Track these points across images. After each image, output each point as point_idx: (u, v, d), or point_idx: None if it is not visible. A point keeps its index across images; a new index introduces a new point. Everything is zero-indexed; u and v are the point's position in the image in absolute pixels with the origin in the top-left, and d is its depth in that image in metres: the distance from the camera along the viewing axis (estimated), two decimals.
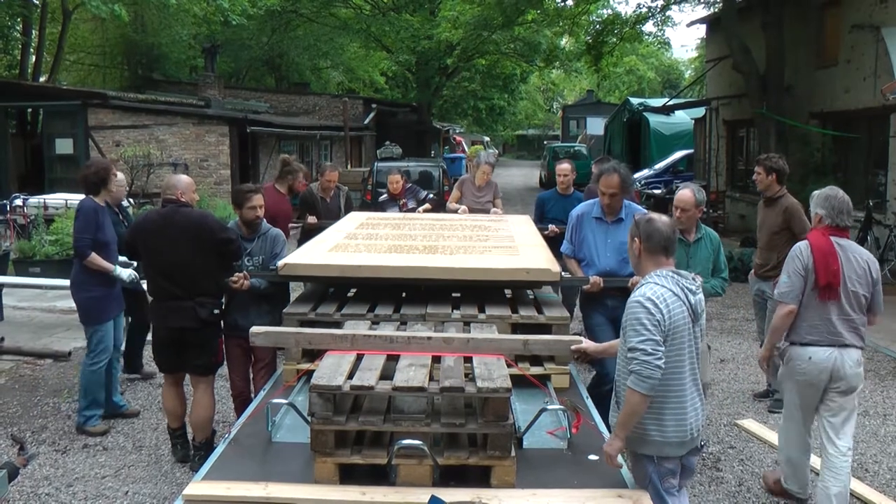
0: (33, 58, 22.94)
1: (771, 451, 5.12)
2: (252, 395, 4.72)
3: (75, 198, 5.27)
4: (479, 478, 2.83)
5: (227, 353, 4.86)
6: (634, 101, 26.08)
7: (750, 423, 5.60)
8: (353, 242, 4.74)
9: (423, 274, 4.05)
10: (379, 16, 28.04)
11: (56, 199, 12.37)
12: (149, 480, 4.68)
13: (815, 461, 4.52)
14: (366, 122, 26.04)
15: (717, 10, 18.07)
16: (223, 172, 16.63)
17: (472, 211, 7.45)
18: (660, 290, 2.95)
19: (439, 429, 2.82)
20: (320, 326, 3.76)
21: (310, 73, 31.98)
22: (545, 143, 46.85)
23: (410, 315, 3.89)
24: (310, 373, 3.31)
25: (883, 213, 11.69)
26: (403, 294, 4.29)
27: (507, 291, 4.45)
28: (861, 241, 11.49)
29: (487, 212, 7.42)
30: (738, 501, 4.48)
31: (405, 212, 7.33)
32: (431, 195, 8.32)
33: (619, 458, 3.00)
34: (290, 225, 6.79)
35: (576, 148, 29.50)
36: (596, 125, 39.38)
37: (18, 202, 12.22)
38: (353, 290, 4.48)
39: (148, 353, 5.85)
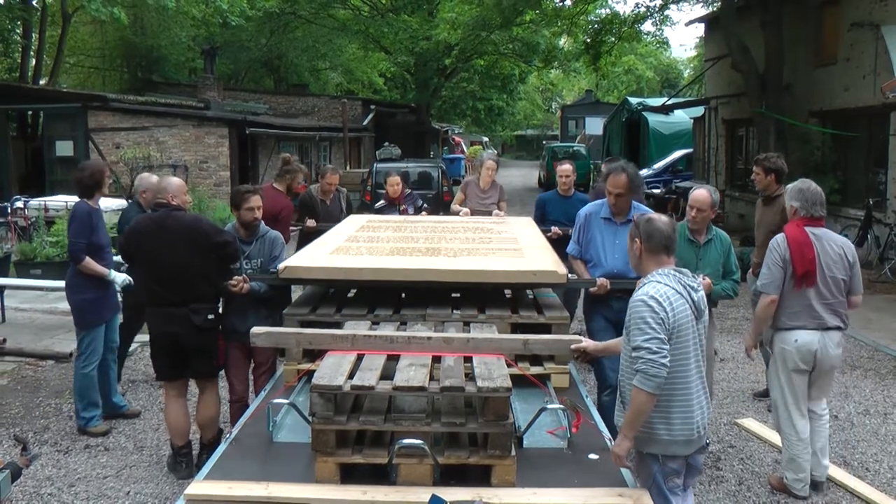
0: (33, 61, 22.96)
1: (771, 449, 5.13)
2: (250, 398, 4.69)
3: (76, 200, 5.29)
4: (480, 477, 2.84)
5: (226, 358, 4.80)
6: (633, 100, 26.11)
7: (750, 423, 5.61)
8: (354, 245, 4.69)
9: (427, 277, 3.98)
10: (377, 17, 28.07)
11: (57, 201, 12.38)
12: (150, 480, 4.69)
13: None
14: (365, 123, 26.04)
15: (715, 9, 18.09)
16: (223, 174, 16.65)
17: (476, 214, 7.21)
18: (663, 289, 2.96)
19: (440, 428, 2.82)
20: (320, 327, 3.76)
21: (308, 75, 32.02)
22: (544, 143, 46.80)
23: (410, 315, 3.89)
24: (310, 373, 3.32)
25: (883, 211, 11.70)
26: (402, 295, 4.29)
27: (507, 291, 4.45)
28: (861, 240, 11.52)
29: (491, 214, 7.22)
30: (738, 500, 4.48)
31: None
32: (425, 206, 8.01)
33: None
34: (290, 228, 6.74)
35: (575, 148, 29.48)
36: (595, 125, 39.38)
37: (19, 204, 12.23)
38: (353, 291, 4.49)
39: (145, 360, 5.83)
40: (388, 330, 3.50)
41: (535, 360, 3.75)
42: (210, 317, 4.48)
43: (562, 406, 3.26)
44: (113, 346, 5.64)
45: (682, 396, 3.00)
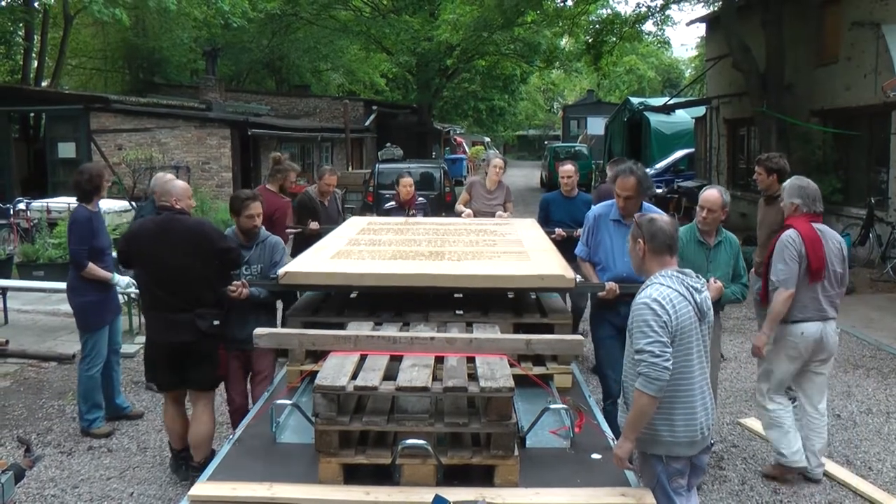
0: (35, 63, 23.02)
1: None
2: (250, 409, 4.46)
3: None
4: (483, 477, 2.85)
5: (226, 369, 4.65)
6: (635, 100, 26.05)
7: (753, 422, 5.60)
8: (356, 249, 4.56)
9: (431, 282, 3.87)
10: (379, 18, 28.09)
11: (59, 202, 12.39)
12: (154, 482, 4.70)
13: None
14: (366, 123, 26.05)
15: (716, 8, 18.07)
16: (225, 175, 16.67)
17: (481, 215, 6.99)
18: (665, 291, 2.96)
19: (443, 428, 2.83)
20: (323, 328, 3.76)
21: (310, 76, 32.02)
22: (546, 143, 46.77)
23: (413, 316, 3.88)
24: (313, 374, 3.33)
25: (885, 210, 11.69)
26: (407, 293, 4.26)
27: (510, 292, 4.43)
28: (863, 239, 11.51)
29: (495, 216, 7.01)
30: (741, 500, 4.49)
31: None
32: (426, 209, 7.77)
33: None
34: (289, 231, 6.62)
35: (576, 148, 29.47)
36: (596, 125, 39.37)
37: (22, 206, 12.24)
38: (355, 292, 4.48)
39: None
40: (390, 330, 3.49)
41: (538, 360, 3.74)
42: (215, 322, 4.34)
43: (565, 406, 3.27)
44: (116, 347, 5.66)
45: (685, 398, 3.00)
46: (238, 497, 2.76)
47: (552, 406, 3.26)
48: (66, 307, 8.13)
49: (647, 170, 23.44)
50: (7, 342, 7.26)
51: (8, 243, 10.98)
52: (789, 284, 4.35)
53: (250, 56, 28.67)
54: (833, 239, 4.48)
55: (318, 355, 3.63)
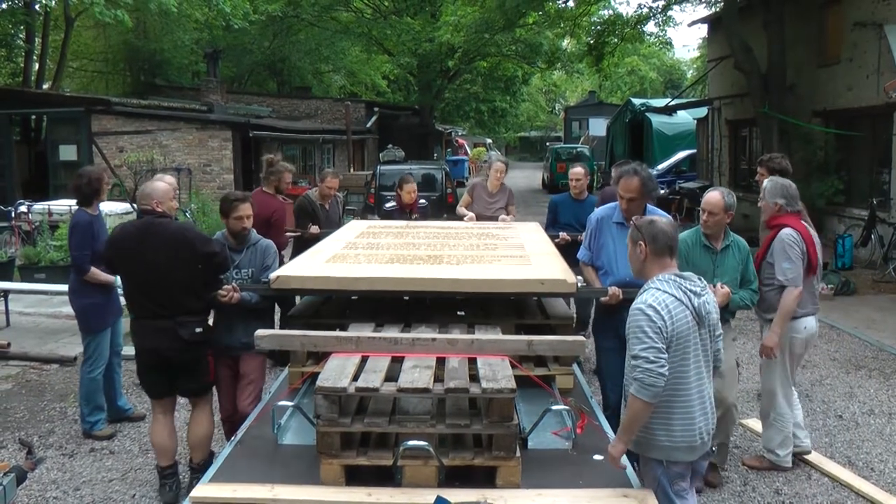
0: (36, 65, 23.07)
1: None
2: (238, 414, 4.41)
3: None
4: (485, 478, 2.85)
5: (216, 376, 4.54)
6: (636, 101, 26.02)
7: (755, 423, 5.59)
8: (352, 252, 4.47)
9: (427, 286, 3.81)
10: (380, 19, 28.14)
11: (60, 205, 12.39)
12: (155, 484, 4.68)
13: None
14: (368, 125, 26.07)
15: (718, 9, 18.07)
16: (226, 177, 16.67)
17: (483, 219, 6.84)
18: (661, 296, 2.94)
19: (444, 430, 2.83)
20: (324, 330, 3.75)
21: (311, 77, 32.05)
22: (547, 144, 46.72)
23: (414, 317, 3.88)
24: (315, 375, 3.33)
25: (887, 211, 11.68)
26: (405, 298, 4.23)
27: None
28: (866, 240, 11.50)
29: (497, 220, 6.84)
30: (743, 500, 4.48)
31: None
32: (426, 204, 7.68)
33: (624, 460, 3.00)
34: (288, 235, 6.56)
35: (578, 149, 29.44)
36: (598, 126, 39.35)
37: (23, 209, 12.25)
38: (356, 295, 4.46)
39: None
40: (392, 332, 3.49)
41: (540, 361, 3.74)
42: (198, 330, 4.18)
43: (566, 407, 3.26)
44: (118, 349, 5.66)
45: (683, 403, 2.98)
46: (239, 499, 2.76)
47: (554, 407, 3.25)
48: (68, 309, 8.15)
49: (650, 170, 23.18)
50: (9, 344, 7.26)
51: (9, 246, 10.99)
52: (798, 282, 4.45)
53: (252, 58, 28.71)
54: (815, 234, 4.72)
55: (319, 357, 3.63)
